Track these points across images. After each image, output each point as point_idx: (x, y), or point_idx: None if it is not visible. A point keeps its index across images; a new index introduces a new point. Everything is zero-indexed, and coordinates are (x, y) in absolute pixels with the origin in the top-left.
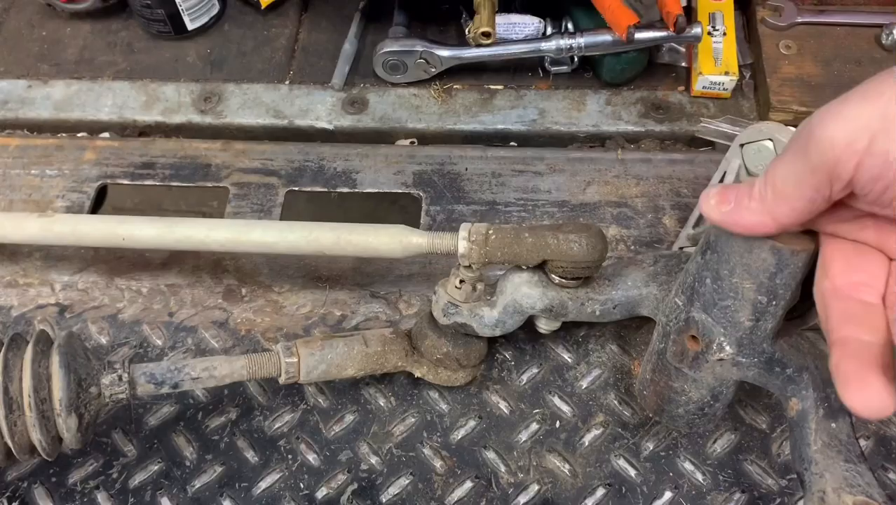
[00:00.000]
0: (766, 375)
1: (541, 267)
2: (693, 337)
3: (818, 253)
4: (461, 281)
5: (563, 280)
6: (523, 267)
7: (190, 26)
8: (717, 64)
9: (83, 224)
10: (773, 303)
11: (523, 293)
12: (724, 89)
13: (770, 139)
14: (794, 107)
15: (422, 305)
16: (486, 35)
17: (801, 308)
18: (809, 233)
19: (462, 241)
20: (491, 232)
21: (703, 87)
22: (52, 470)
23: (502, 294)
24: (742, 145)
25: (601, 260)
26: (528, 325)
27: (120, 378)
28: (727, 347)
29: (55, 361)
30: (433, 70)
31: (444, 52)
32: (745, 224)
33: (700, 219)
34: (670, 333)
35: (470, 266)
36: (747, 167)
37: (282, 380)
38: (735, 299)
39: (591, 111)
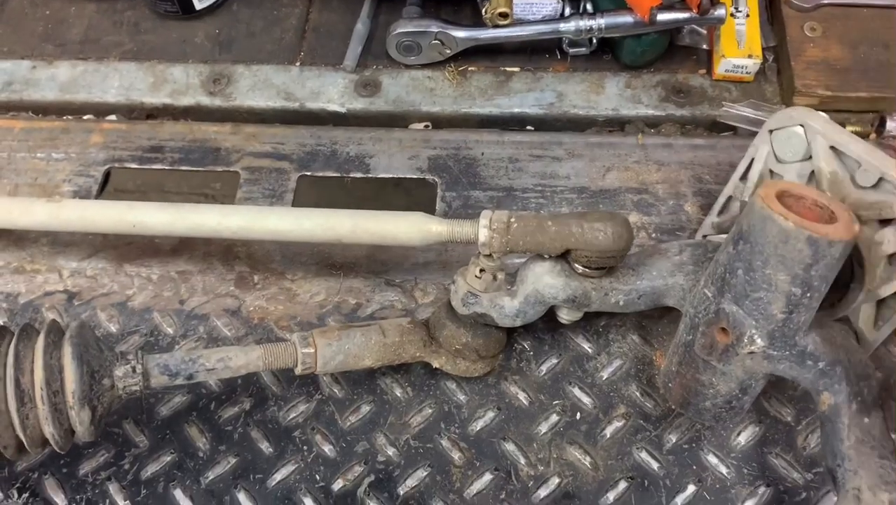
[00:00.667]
0: (797, 368)
1: (563, 256)
2: (723, 329)
3: (855, 241)
4: (481, 270)
5: (587, 270)
6: (545, 256)
7: (198, 6)
8: (739, 46)
9: (92, 210)
10: (808, 295)
11: (545, 283)
12: (746, 73)
13: (801, 125)
14: (819, 91)
15: (438, 294)
16: (504, 15)
17: (831, 297)
18: (845, 216)
19: (483, 230)
20: (513, 220)
21: (726, 71)
22: (62, 461)
23: (523, 284)
24: (771, 131)
25: (627, 249)
26: (548, 314)
27: (133, 370)
28: (758, 340)
29: (67, 352)
30: (448, 52)
31: (460, 33)
32: None
33: (725, 206)
34: (699, 324)
35: (490, 255)
36: (776, 154)
37: (298, 371)
38: (768, 291)
39: (611, 94)
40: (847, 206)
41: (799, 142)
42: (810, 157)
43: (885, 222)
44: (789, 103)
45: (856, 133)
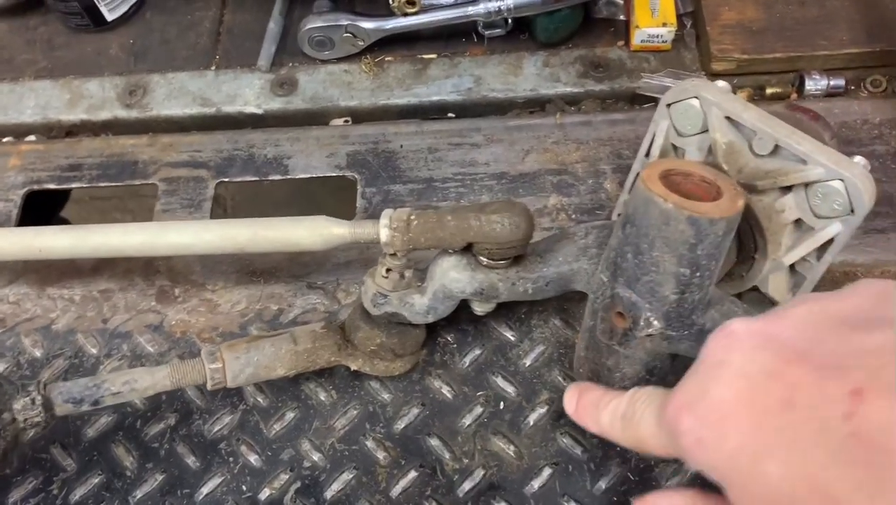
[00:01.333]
0: (698, 347)
1: (469, 249)
2: (620, 314)
3: (743, 212)
4: (388, 270)
5: (491, 261)
6: (450, 251)
7: (109, 17)
8: (654, 15)
9: None
10: (698, 274)
11: (451, 278)
12: (663, 41)
13: (696, 97)
14: (735, 55)
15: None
16: (411, 3)
17: (740, 269)
18: (731, 191)
19: (384, 229)
20: (413, 217)
21: (642, 41)
22: None
23: (431, 280)
24: (669, 105)
25: (527, 239)
26: (470, 306)
27: (33, 402)
28: (655, 322)
29: None
30: (361, 44)
31: (370, 25)
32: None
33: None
34: (598, 309)
35: (395, 254)
36: (676, 128)
37: (209, 386)
38: (657, 273)
39: (529, 75)
40: (734, 181)
41: (696, 114)
42: (708, 130)
43: (785, 189)
44: (708, 70)
45: (776, 94)
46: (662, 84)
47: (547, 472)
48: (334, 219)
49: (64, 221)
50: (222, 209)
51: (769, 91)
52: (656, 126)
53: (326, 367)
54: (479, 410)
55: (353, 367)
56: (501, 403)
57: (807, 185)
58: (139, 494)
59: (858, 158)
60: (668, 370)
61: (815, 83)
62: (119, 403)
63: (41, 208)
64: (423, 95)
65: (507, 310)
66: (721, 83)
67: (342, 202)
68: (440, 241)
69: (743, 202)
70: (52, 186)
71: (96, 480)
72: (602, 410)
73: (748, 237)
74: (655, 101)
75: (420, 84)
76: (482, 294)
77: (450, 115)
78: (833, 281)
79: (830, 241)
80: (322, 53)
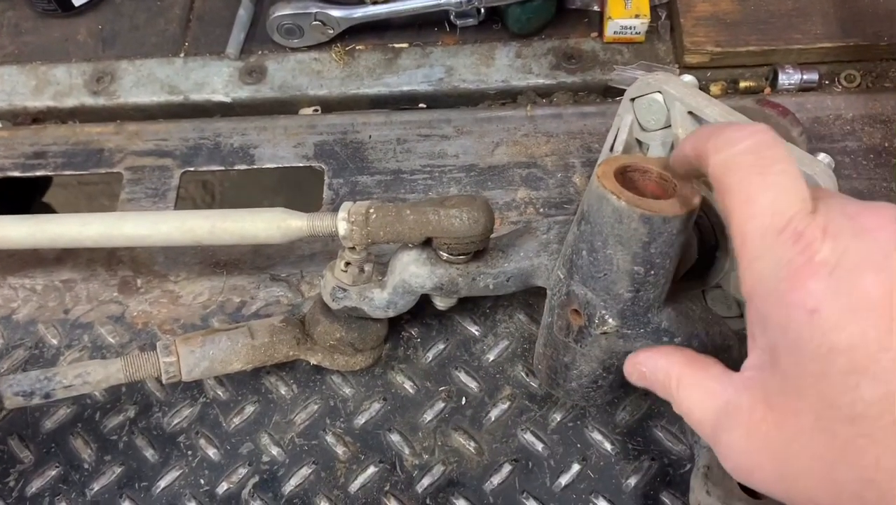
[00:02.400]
0: (654, 345)
1: (429, 243)
2: (576, 311)
3: (696, 213)
4: (346, 263)
5: (451, 256)
6: (411, 245)
7: (77, 2)
8: (626, 7)
9: None
10: (652, 272)
11: (411, 272)
12: (636, 33)
13: (659, 91)
14: (708, 47)
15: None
16: None
17: (701, 268)
18: (687, 189)
19: (342, 223)
20: (372, 211)
21: (615, 33)
22: None
23: (392, 274)
24: (633, 100)
25: (486, 234)
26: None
27: None
28: (610, 320)
29: None
30: (331, 32)
31: (339, 13)
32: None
33: None
34: (555, 307)
35: (354, 248)
36: (640, 123)
37: (164, 380)
38: (611, 271)
39: (501, 66)
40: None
41: (659, 109)
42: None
43: None
44: (681, 62)
45: (749, 88)
46: (635, 76)
47: (507, 468)
48: (293, 211)
49: (47, 207)
50: (210, 196)
51: (742, 85)
52: (620, 120)
53: (285, 361)
54: (440, 405)
55: (313, 361)
56: (464, 399)
57: None
58: (96, 486)
59: (822, 156)
60: None
61: (789, 77)
62: (71, 396)
63: (16, 196)
64: (393, 85)
65: (471, 304)
66: (687, 77)
67: (303, 196)
68: (399, 236)
69: (699, 200)
70: (16, 174)
71: (53, 473)
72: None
73: (709, 234)
74: None
75: (391, 74)
76: (442, 289)
77: (420, 105)
78: None
79: None
80: (291, 41)
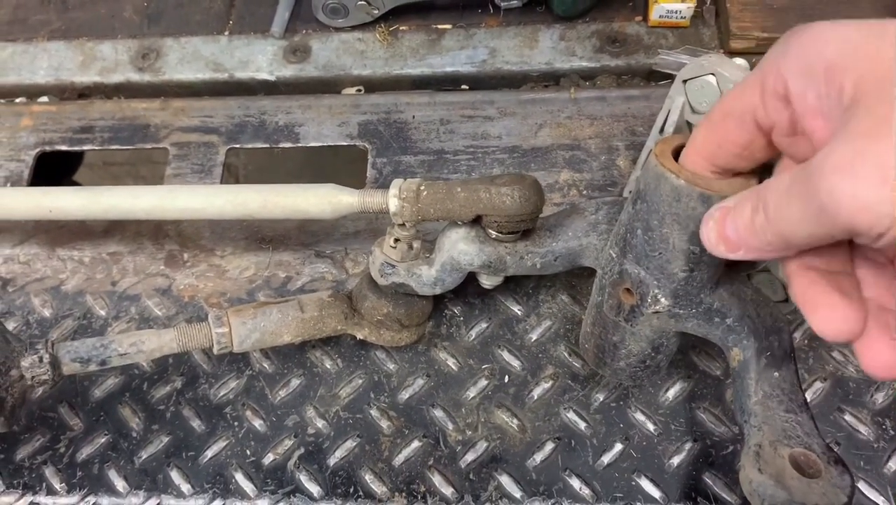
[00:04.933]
0: (705, 325)
1: (478, 221)
2: (627, 290)
3: None
4: (396, 240)
5: (500, 235)
6: (459, 223)
7: None
8: None
9: (8, 198)
10: (707, 252)
11: (460, 250)
12: (682, 17)
13: (713, 73)
14: (755, 33)
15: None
16: None
17: None
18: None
19: (393, 199)
20: (423, 188)
21: (660, 17)
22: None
23: (440, 251)
24: (685, 81)
25: (536, 213)
26: (477, 279)
27: (41, 360)
28: (662, 300)
29: None
30: (376, 12)
31: None
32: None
33: None
34: (606, 286)
35: (403, 224)
36: (692, 105)
37: (215, 350)
38: (667, 250)
39: (544, 48)
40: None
41: (712, 91)
42: None
43: None
44: (727, 47)
45: None
46: (679, 61)
47: (549, 446)
48: (344, 187)
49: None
50: (234, 178)
51: None
52: (671, 102)
53: (332, 335)
54: (483, 382)
55: (359, 336)
56: (506, 377)
57: None
58: (144, 455)
59: (740, 61)
60: (674, 348)
61: None
62: (126, 364)
63: (53, 171)
64: (436, 66)
65: (514, 284)
66: (739, 60)
67: (353, 173)
68: (449, 213)
69: (756, 182)
70: (63, 148)
71: (102, 440)
72: (733, 219)
73: None
74: (671, 77)
75: (434, 55)
76: (490, 267)
77: (463, 86)
78: None
79: None
80: (336, 21)
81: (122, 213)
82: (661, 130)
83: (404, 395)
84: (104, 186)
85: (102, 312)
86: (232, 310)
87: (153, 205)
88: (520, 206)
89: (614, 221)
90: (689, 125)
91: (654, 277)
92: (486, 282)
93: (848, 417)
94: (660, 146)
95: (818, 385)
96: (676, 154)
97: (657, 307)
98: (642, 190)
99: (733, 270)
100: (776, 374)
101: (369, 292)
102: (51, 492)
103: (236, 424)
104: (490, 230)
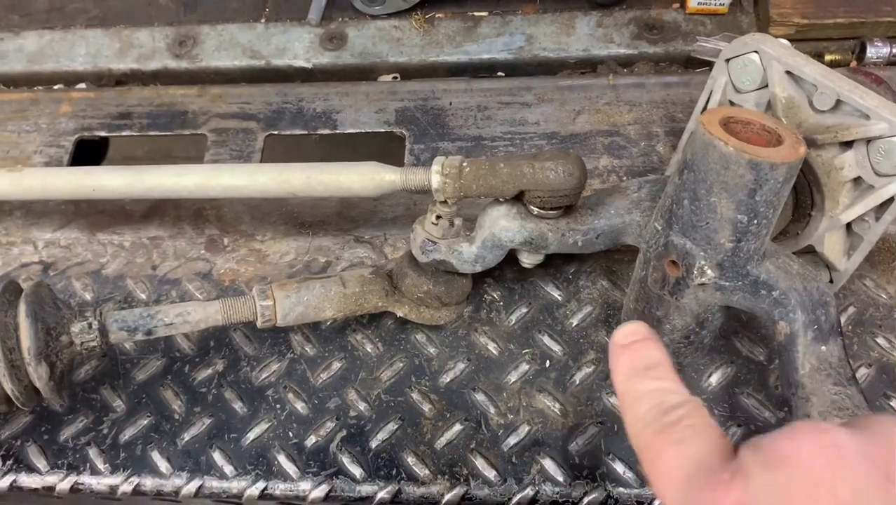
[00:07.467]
0: (751, 298)
1: (519, 199)
2: (673, 262)
3: (801, 162)
4: (437, 217)
5: (542, 211)
6: (501, 200)
7: None
8: None
9: (52, 177)
10: (755, 222)
11: (501, 226)
12: (720, 4)
13: (756, 52)
14: (795, 19)
15: (407, 249)
16: None
17: (795, 227)
18: (792, 138)
19: (435, 176)
20: (465, 164)
21: (699, 4)
22: (43, 428)
23: (481, 228)
24: (727, 60)
25: (580, 188)
26: (517, 263)
27: (90, 326)
28: (708, 271)
29: (22, 310)
30: None
31: None
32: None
33: None
34: (650, 259)
35: (445, 201)
36: (734, 84)
37: (259, 323)
38: (714, 220)
39: (581, 35)
40: (794, 130)
41: (755, 69)
42: (767, 85)
43: (845, 146)
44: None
45: (834, 61)
46: (717, 48)
47: (592, 430)
48: (386, 165)
49: None
50: None
51: (828, 58)
52: (714, 82)
53: (373, 312)
54: (524, 367)
55: (399, 313)
56: (547, 362)
57: (868, 140)
58: (187, 436)
59: None
60: (718, 324)
61: (878, 50)
62: (171, 333)
63: (90, 157)
64: (473, 53)
65: (554, 269)
66: (782, 40)
67: (387, 160)
68: (492, 189)
69: (804, 150)
70: (102, 134)
71: (145, 422)
72: (646, 381)
73: (805, 193)
74: (710, 64)
75: (470, 42)
76: (531, 244)
77: (499, 73)
78: (889, 251)
79: (891, 201)
80: (372, 8)
81: (166, 192)
82: (704, 111)
83: (445, 378)
84: (147, 165)
85: (143, 296)
86: (276, 284)
87: (197, 183)
88: (563, 180)
89: (657, 199)
90: (732, 105)
91: (701, 247)
92: (527, 260)
93: (894, 403)
94: (707, 115)
95: (863, 371)
96: (724, 125)
97: (703, 279)
98: (690, 159)
99: (779, 244)
100: (823, 347)
101: (409, 270)
102: (95, 472)
103: (278, 406)
104: (532, 206)
